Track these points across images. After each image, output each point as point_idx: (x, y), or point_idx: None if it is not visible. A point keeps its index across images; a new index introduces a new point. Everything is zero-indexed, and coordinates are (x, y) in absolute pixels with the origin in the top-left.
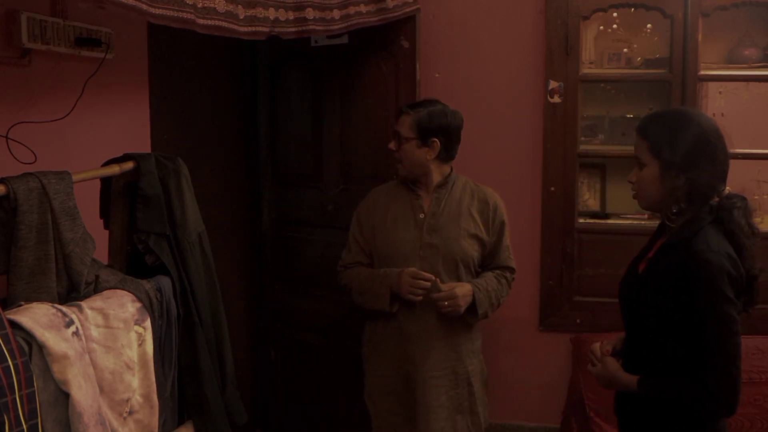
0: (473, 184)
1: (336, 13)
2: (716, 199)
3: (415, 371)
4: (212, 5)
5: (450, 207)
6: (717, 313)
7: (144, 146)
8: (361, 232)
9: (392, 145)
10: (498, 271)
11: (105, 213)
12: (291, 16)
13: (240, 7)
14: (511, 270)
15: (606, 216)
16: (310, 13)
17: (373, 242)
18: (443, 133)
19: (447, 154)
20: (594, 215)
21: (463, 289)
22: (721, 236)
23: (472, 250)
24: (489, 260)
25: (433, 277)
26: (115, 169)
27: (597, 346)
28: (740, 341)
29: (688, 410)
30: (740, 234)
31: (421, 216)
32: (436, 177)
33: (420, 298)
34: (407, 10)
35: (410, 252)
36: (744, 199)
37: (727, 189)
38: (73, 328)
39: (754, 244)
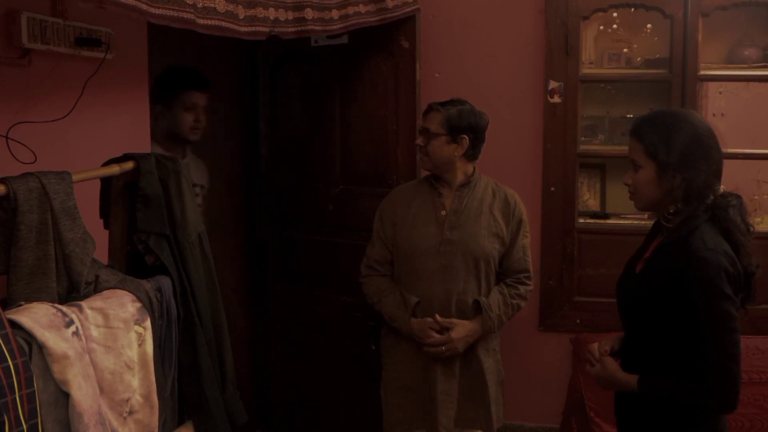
0: (495, 184)
1: (335, 13)
2: (711, 197)
3: (428, 367)
4: (212, 5)
5: (472, 205)
6: (715, 310)
7: (144, 146)
8: (383, 228)
9: (420, 141)
10: (511, 289)
11: (105, 213)
12: (290, 16)
13: (240, 7)
14: (527, 275)
15: (606, 216)
16: (309, 13)
17: (394, 238)
18: (472, 131)
19: (473, 153)
20: (594, 215)
21: (459, 331)
22: (718, 234)
23: (492, 249)
24: (504, 259)
25: (436, 336)
26: (115, 169)
27: (595, 346)
28: (739, 338)
29: (688, 408)
30: (736, 231)
31: (443, 213)
32: (460, 175)
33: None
34: (407, 10)
35: (430, 248)
36: (739, 197)
37: (722, 188)
38: (73, 328)
39: (749, 241)
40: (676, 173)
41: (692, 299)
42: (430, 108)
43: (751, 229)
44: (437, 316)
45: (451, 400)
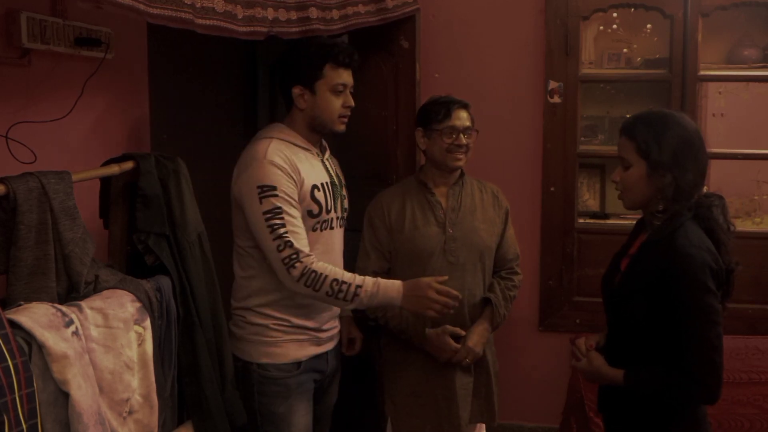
0: (477, 181)
1: (335, 13)
2: (695, 197)
3: (444, 364)
4: (211, 5)
5: (466, 202)
6: (700, 304)
7: (144, 146)
8: (376, 237)
9: (465, 140)
10: (507, 282)
11: (105, 213)
12: (293, 15)
13: (239, 6)
14: (518, 261)
15: (605, 216)
16: (313, 13)
17: (392, 244)
18: None
19: None
20: (594, 215)
21: (475, 339)
22: (701, 232)
23: (491, 241)
24: (498, 249)
25: (455, 346)
26: (114, 169)
27: (582, 341)
28: (722, 332)
29: (673, 400)
30: (719, 230)
31: (441, 212)
32: (457, 174)
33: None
34: (407, 10)
35: (436, 248)
36: (721, 198)
37: (705, 188)
38: (72, 328)
39: (730, 240)
40: (666, 172)
41: (678, 294)
42: (463, 105)
43: (732, 228)
44: (448, 327)
45: (468, 394)
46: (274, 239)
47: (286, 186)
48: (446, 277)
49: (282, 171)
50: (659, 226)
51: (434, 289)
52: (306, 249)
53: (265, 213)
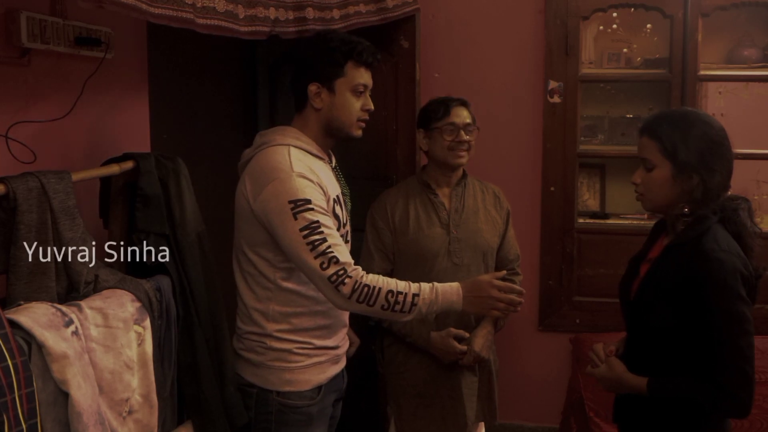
0: (479, 181)
1: (336, 13)
2: (721, 199)
3: (450, 365)
4: (212, 5)
5: (469, 203)
6: (731, 312)
7: (144, 146)
8: (380, 238)
9: (467, 136)
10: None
11: (105, 212)
12: (291, 15)
13: (240, 6)
14: (518, 262)
15: (605, 216)
16: (310, 13)
17: (395, 245)
18: None
19: None
20: (593, 215)
21: (480, 343)
22: (729, 236)
23: (494, 242)
24: (499, 249)
25: (460, 348)
26: (114, 169)
27: (600, 346)
28: (753, 341)
29: (702, 411)
30: (746, 234)
31: (444, 213)
32: (459, 173)
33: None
34: (407, 10)
35: (439, 249)
36: (747, 200)
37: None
38: (72, 328)
39: (756, 243)
40: (693, 173)
41: (707, 300)
42: (462, 103)
43: (759, 231)
44: (452, 330)
45: (474, 394)
46: (316, 257)
47: (317, 198)
48: (504, 272)
49: (312, 182)
50: (684, 230)
51: (496, 287)
52: (351, 260)
53: (302, 230)
